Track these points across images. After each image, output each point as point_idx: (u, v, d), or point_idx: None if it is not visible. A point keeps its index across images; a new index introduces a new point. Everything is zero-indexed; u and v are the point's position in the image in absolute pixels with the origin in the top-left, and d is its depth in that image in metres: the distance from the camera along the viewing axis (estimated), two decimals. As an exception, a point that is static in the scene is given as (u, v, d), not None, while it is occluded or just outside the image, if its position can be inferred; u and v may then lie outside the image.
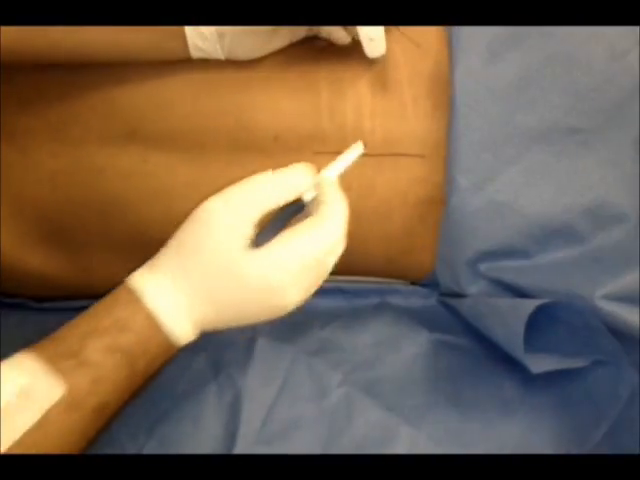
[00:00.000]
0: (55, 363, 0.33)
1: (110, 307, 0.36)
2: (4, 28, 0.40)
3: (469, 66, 0.46)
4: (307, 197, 0.39)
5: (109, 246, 0.49)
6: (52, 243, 0.50)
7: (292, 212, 0.40)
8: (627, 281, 0.45)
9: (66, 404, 0.33)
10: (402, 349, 0.48)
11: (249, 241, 0.36)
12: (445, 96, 0.46)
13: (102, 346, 0.34)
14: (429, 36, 0.48)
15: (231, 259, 0.36)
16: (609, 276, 0.45)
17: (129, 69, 0.46)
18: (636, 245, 0.45)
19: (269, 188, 0.37)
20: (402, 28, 0.48)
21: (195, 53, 0.44)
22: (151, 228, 0.48)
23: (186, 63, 0.45)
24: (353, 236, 0.40)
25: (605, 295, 0.44)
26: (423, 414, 0.45)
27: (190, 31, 0.42)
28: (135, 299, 0.36)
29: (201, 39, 0.43)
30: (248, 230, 0.36)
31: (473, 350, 0.49)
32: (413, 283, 0.54)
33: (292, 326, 0.50)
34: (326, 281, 0.52)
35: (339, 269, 0.53)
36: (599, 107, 0.45)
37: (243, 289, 0.36)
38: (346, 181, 0.41)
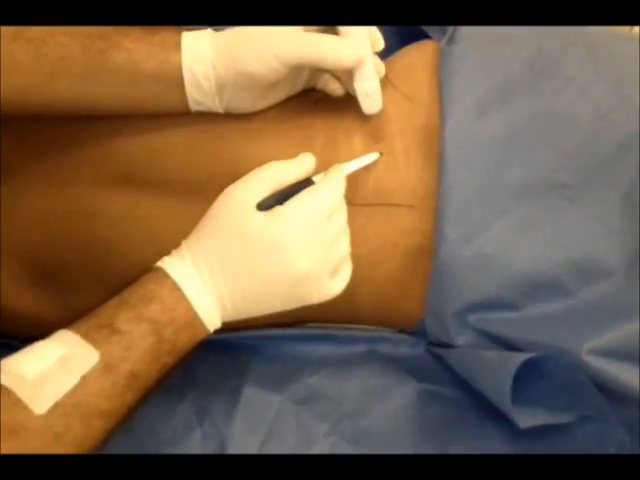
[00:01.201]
0: (91, 334, 0.37)
1: (140, 284, 0.40)
2: (6, 81, 0.41)
3: (459, 121, 0.47)
4: (317, 180, 0.43)
5: (100, 289, 0.49)
6: (43, 285, 0.50)
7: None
8: (613, 336, 0.45)
9: (101, 368, 0.36)
10: (389, 399, 0.48)
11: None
12: (436, 149, 0.47)
13: (131, 316, 0.38)
14: (421, 91, 0.49)
15: (243, 221, 0.40)
16: (596, 331, 0.45)
17: (125, 117, 0.46)
18: (623, 300, 0.45)
19: (280, 165, 0.42)
20: (395, 83, 0.49)
21: (194, 107, 0.45)
22: (142, 272, 0.48)
23: (183, 114, 0.45)
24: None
25: (591, 350, 0.45)
26: (409, 467, 0.45)
27: (189, 85, 0.43)
28: (162, 275, 0.40)
29: (200, 93, 0.43)
30: (260, 199, 0.40)
31: (460, 401, 0.49)
32: (401, 331, 0.54)
33: (280, 373, 0.50)
34: (315, 327, 0.53)
35: (328, 317, 0.53)
36: (585, 164, 0.46)
37: (253, 248, 0.39)
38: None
